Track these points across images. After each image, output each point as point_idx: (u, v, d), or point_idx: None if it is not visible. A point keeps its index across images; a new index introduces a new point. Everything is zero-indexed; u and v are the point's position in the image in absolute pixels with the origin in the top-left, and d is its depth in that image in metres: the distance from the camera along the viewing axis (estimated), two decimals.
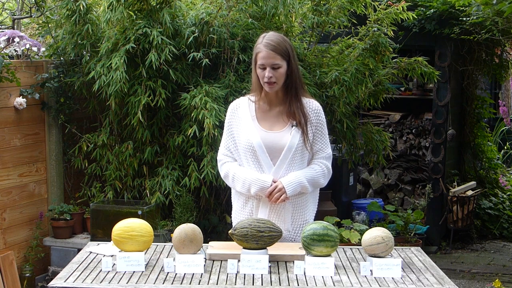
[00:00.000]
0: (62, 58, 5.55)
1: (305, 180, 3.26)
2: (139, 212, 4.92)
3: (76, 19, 5.15)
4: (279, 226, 3.25)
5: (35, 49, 5.29)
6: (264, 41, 3.21)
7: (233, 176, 3.32)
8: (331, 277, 2.88)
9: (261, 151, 3.25)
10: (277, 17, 5.34)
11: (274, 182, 3.23)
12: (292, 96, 3.28)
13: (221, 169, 3.41)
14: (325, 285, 2.78)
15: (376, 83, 5.64)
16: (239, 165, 3.35)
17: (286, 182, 3.22)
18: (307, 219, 3.37)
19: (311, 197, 3.42)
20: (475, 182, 7.43)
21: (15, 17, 6.16)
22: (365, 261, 3.04)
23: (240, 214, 3.38)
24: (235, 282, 2.80)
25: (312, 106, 3.34)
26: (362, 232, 5.38)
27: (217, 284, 2.78)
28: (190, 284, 2.78)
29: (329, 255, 2.97)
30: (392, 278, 2.88)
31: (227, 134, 3.39)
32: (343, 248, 3.34)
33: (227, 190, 5.23)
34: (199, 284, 2.78)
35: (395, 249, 3.31)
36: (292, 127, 3.28)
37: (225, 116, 4.85)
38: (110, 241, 3.17)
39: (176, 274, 2.89)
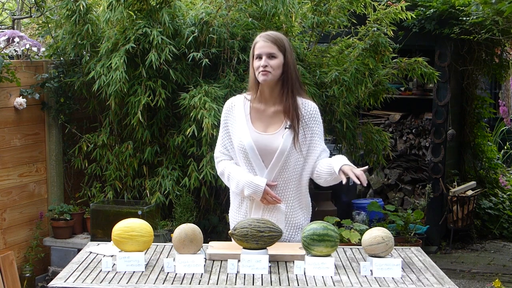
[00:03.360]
0: (62, 58, 5.56)
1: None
2: (139, 212, 4.92)
3: (76, 19, 5.15)
4: None
5: (35, 49, 5.29)
6: (262, 34, 3.32)
7: (228, 175, 3.34)
8: (331, 277, 2.88)
9: (253, 153, 3.25)
10: (277, 17, 5.34)
11: (267, 185, 3.22)
12: (288, 92, 3.26)
13: (217, 167, 3.44)
14: (325, 285, 2.78)
15: (376, 83, 5.64)
16: (235, 164, 3.37)
17: (348, 162, 3.18)
18: (301, 222, 3.36)
19: (303, 198, 3.39)
20: (475, 182, 7.43)
21: (15, 17, 6.16)
22: (365, 261, 3.04)
23: (236, 213, 3.40)
24: (235, 282, 2.80)
25: (308, 108, 3.32)
26: (362, 232, 5.38)
27: (217, 284, 2.78)
28: (190, 284, 2.78)
29: (329, 255, 2.96)
30: (392, 278, 2.88)
31: (223, 132, 3.40)
32: (343, 248, 3.34)
33: (227, 190, 5.22)
34: (199, 284, 2.78)
35: (395, 249, 3.31)
36: (285, 129, 3.27)
37: None
38: (110, 241, 3.17)
39: (176, 274, 2.89)
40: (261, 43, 3.25)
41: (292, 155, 3.27)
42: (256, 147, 3.25)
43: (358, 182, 3.06)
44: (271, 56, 3.23)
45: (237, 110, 3.35)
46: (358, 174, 3.09)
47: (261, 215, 3.28)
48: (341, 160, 3.19)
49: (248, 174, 3.27)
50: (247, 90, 3.45)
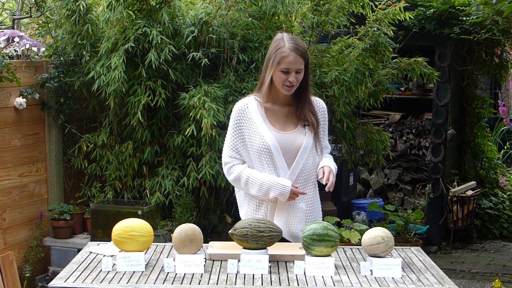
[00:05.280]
0: (62, 58, 5.56)
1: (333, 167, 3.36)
2: (139, 212, 4.92)
3: (76, 19, 5.15)
4: (297, 227, 3.29)
5: (35, 49, 5.29)
6: (290, 45, 3.17)
7: (247, 179, 3.26)
8: (331, 277, 2.88)
9: (277, 153, 3.23)
10: (277, 17, 5.34)
11: (294, 187, 3.23)
12: (306, 98, 3.28)
13: (230, 172, 3.31)
14: (325, 285, 2.78)
15: (376, 83, 5.64)
16: (249, 167, 3.31)
17: (332, 166, 3.30)
18: (318, 218, 3.42)
19: (317, 195, 3.46)
20: (475, 182, 7.43)
21: (15, 17, 6.16)
22: (365, 261, 3.04)
23: (253, 216, 3.34)
24: (235, 282, 2.80)
25: (319, 105, 3.37)
26: (362, 232, 5.38)
27: (217, 284, 2.78)
28: (190, 284, 2.78)
29: (329, 255, 2.96)
30: (392, 278, 2.88)
31: (234, 135, 3.30)
32: (343, 248, 3.34)
33: (227, 190, 5.23)
34: (199, 284, 2.78)
35: (395, 249, 3.30)
36: (305, 127, 3.29)
37: (224, 116, 4.85)
38: (110, 241, 3.17)
39: (176, 274, 2.89)
40: (292, 58, 3.14)
41: (311, 154, 3.30)
42: (279, 146, 3.23)
43: (324, 183, 3.21)
44: (298, 71, 3.19)
45: (251, 111, 3.28)
46: (330, 179, 3.21)
47: (285, 217, 3.29)
48: (326, 162, 3.33)
49: (271, 176, 3.24)
50: (252, 91, 3.43)
